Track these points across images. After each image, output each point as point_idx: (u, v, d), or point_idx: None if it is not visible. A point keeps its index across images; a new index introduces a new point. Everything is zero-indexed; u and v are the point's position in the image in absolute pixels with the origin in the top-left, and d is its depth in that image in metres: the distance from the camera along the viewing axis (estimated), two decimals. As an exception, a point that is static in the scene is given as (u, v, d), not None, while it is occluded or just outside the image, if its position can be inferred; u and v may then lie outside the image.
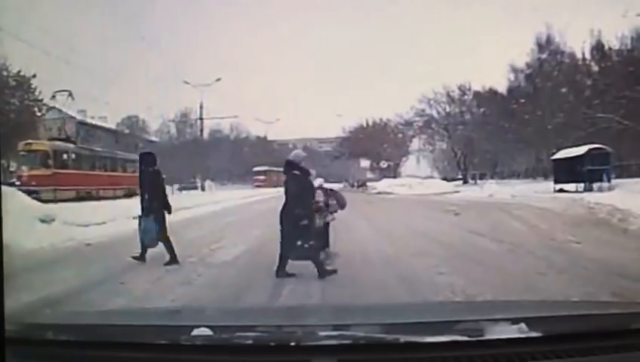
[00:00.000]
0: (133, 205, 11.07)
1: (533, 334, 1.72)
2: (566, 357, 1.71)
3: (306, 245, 7.36)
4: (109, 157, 35.66)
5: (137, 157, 10.00)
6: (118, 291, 6.88)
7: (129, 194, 30.79)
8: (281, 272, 7.54)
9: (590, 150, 26.96)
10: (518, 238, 11.51)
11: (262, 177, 57.12)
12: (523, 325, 1.73)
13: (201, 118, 60.59)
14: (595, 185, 25.52)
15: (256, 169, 59.26)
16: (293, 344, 1.69)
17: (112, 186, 33.74)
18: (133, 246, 9.28)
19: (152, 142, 71.63)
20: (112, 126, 66.94)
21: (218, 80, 56.08)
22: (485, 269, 7.98)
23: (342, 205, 8.97)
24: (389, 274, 7.77)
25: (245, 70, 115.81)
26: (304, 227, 7.42)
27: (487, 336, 1.71)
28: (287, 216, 7.55)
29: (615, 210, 14.47)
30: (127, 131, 66.91)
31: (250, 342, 1.70)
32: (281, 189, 7.87)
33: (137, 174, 9.95)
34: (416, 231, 13.48)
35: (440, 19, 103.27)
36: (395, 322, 1.97)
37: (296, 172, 7.60)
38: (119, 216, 15.67)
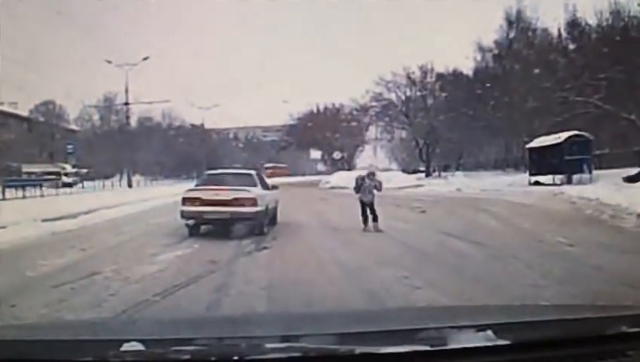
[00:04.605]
0: None
1: (501, 342, 1.73)
2: None
3: None
4: None
5: None
6: None
7: None
8: None
9: (569, 138, 27.13)
10: (500, 241, 11.29)
11: (270, 171, 67.44)
12: (490, 332, 1.75)
13: (127, 103, 59.02)
14: (575, 177, 25.71)
15: (266, 165, 70.86)
16: (236, 358, 1.67)
17: None
18: None
19: (71, 131, 69.64)
20: (25, 113, 64.77)
21: (145, 59, 54.83)
22: (468, 280, 7.60)
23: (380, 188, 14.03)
24: (351, 290, 7.33)
25: (178, 48, 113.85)
26: None
27: (451, 345, 1.72)
28: None
29: (603, 206, 14.44)
30: (42, 119, 65.01)
31: (187, 357, 1.68)
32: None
33: None
34: (381, 235, 12.92)
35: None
36: (349, 331, 2.01)
37: None
38: None
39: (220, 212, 12.87)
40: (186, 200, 13.43)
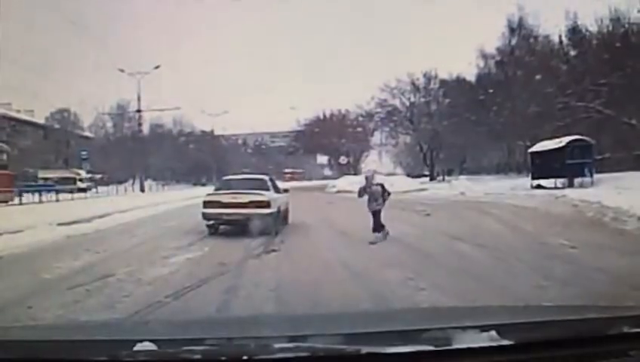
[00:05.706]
0: None
1: (505, 342, 1.73)
2: None
3: None
4: None
5: None
6: None
7: None
8: None
9: (570, 142, 27.03)
10: (503, 243, 11.22)
11: (289, 175, 71.73)
12: (493, 333, 1.75)
13: (139, 111, 58.89)
14: (577, 181, 25.61)
15: (285, 171, 74.65)
16: (245, 358, 1.69)
17: None
18: None
19: (85, 137, 69.81)
20: (41, 120, 64.95)
21: (157, 67, 54.83)
22: (473, 282, 7.58)
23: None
24: (355, 292, 7.26)
25: (188, 56, 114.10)
26: None
27: (456, 345, 1.73)
28: None
29: (605, 208, 14.37)
30: (57, 126, 65.17)
31: (198, 356, 1.70)
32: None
33: None
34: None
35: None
36: (356, 331, 2.01)
37: None
38: None
39: (237, 213, 14.14)
40: (206, 204, 14.64)
